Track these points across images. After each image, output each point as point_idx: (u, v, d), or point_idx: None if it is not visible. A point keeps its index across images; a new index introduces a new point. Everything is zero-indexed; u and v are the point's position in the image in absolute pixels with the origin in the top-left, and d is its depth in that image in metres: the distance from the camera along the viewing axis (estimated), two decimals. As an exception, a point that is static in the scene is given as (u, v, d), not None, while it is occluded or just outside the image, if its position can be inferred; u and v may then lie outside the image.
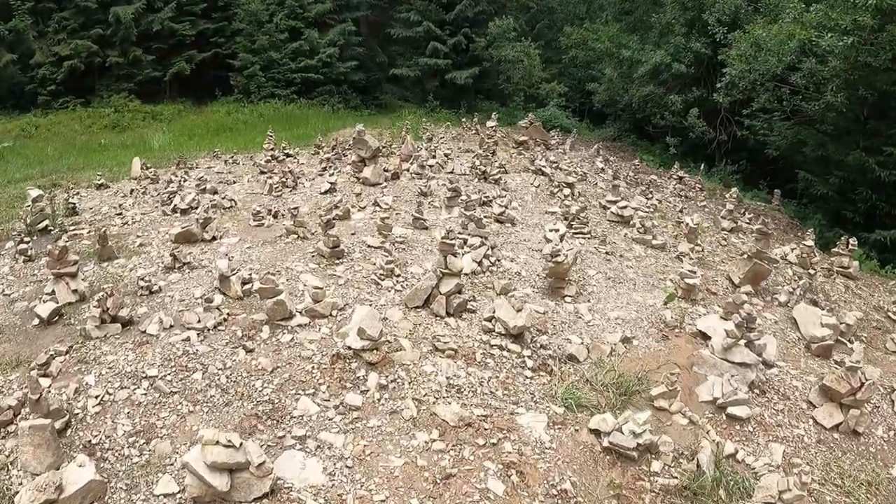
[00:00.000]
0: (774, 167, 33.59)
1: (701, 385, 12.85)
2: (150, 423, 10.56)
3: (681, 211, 24.73)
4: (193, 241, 17.64)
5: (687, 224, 20.06)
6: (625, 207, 21.70)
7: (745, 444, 11.79)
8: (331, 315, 12.96)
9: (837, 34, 24.92)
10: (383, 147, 29.16)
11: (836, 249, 21.38)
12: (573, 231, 18.65)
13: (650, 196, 24.58)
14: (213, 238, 17.78)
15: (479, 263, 15.43)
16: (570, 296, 15.14)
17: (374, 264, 15.13)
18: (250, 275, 14.29)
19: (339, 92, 42.45)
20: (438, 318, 13.14)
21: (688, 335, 14.58)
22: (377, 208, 19.46)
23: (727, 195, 28.21)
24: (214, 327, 12.75)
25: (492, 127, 27.02)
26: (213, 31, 43.45)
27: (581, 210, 19.23)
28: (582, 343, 13.42)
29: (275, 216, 19.21)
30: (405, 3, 43.50)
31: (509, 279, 15.36)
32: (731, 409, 12.18)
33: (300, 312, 12.88)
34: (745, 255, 18.63)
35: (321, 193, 21.39)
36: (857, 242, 21.85)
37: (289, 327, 12.60)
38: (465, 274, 14.20)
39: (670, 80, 35.68)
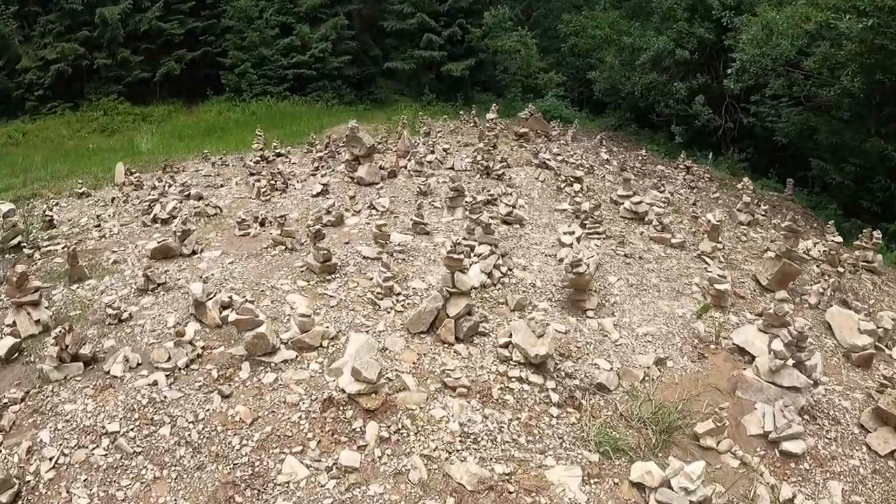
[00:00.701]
0: (783, 155, 31.56)
1: (748, 415, 10.94)
2: (110, 493, 8.58)
3: (694, 204, 22.65)
4: (171, 257, 15.60)
5: (708, 221, 17.94)
6: (639, 203, 19.59)
7: (803, 485, 9.96)
8: (321, 346, 10.89)
9: (855, 16, 22.80)
10: (379, 143, 27.05)
11: (858, 242, 19.55)
12: (587, 231, 16.47)
13: (662, 189, 22.41)
14: (193, 252, 15.70)
15: (490, 275, 13.32)
16: (591, 309, 13.06)
17: (371, 280, 13.03)
18: (230, 297, 12.19)
19: (333, 87, 40.20)
20: (446, 346, 11.07)
21: (725, 351, 12.69)
22: (373, 212, 17.34)
23: (739, 185, 26.28)
24: (186, 366, 10.73)
25: (492, 119, 24.85)
26: (203, 30, 41.14)
27: (594, 208, 17.08)
28: (611, 368, 11.39)
29: (262, 224, 17.10)
30: (398, -7, 41.43)
31: (524, 292, 13.28)
32: (784, 445, 10.31)
33: (285, 344, 10.79)
34: (773, 255, 16.58)
35: (313, 196, 19.25)
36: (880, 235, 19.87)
37: (272, 364, 10.50)
38: (474, 287, 12.01)
39: (673, 67, 33.57)
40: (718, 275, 14.78)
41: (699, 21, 32.56)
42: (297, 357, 10.64)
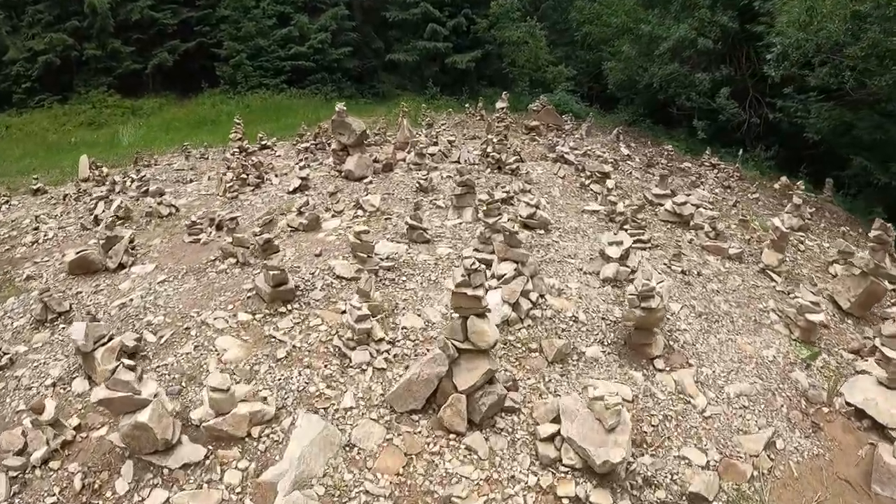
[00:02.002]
0: (814, 153, 26.64)
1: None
2: None
3: (734, 205, 17.92)
4: (93, 272, 11.15)
5: (776, 227, 13.27)
6: (683, 204, 14.82)
7: None
8: (248, 437, 6.14)
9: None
10: (376, 134, 22.33)
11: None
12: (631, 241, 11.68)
13: (699, 188, 17.65)
14: (121, 266, 11.16)
15: (515, 306, 8.57)
16: (659, 356, 8.36)
17: (342, 313, 8.31)
18: (139, 339, 7.54)
19: (333, 80, 35.37)
20: (454, 438, 6.39)
21: (840, 415, 8.54)
22: (360, 213, 12.63)
23: (776, 185, 21.73)
24: (44, 463, 6.06)
25: (502, 109, 19.86)
26: (198, 20, 36.23)
27: (637, 210, 12.33)
28: (707, 463, 6.74)
29: (218, 227, 12.40)
30: (401, -18, 36.56)
31: (564, 331, 8.56)
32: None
33: (196, 425, 6.07)
34: (858, 271, 12.10)
35: (289, 193, 14.55)
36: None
37: (164, 472, 5.80)
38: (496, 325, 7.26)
39: (695, 57, 28.76)
40: (810, 301, 10.31)
41: (722, 9, 27.67)
42: (206, 459, 5.92)
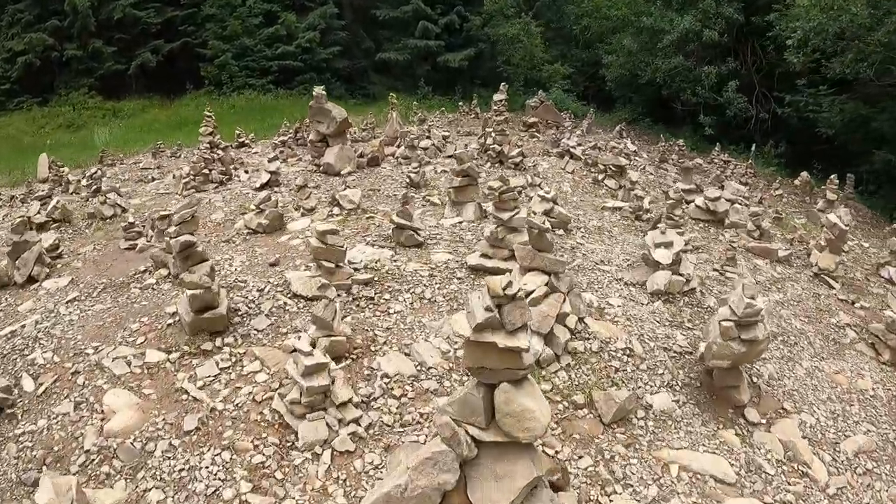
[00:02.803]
0: (825, 148, 23.97)
1: None
2: None
3: (759, 202, 15.25)
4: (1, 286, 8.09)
5: (833, 225, 10.52)
6: (717, 199, 12.07)
7: None
8: None
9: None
10: (363, 130, 19.50)
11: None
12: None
13: (721, 185, 14.84)
14: (31, 280, 8.21)
15: (548, 337, 5.75)
16: (747, 404, 5.49)
17: (293, 352, 5.37)
18: (14, 385, 4.80)
19: (321, 80, 32.09)
20: None
21: None
22: (336, 210, 9.79)
23: (795, 181, 19.11)
24: None
25: (500, 101, 16.89)
26: (182, 19, 33.11)
27: (674, 205, 9.42)
28: None
29: (152, 229, 9.52)
30: (391, -20, 33.64)
31: (618, 370, 5.67)
32: None
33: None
34: None
35: (255, 189, 11.64)
36: None
37: None
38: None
39: (699, 51, 26.11)
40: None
41: (727, 1, 24.91)
42: None
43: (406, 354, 5.88)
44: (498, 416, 3.67)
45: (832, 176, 16.23)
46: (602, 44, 31.01)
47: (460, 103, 26.21)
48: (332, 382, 4.89)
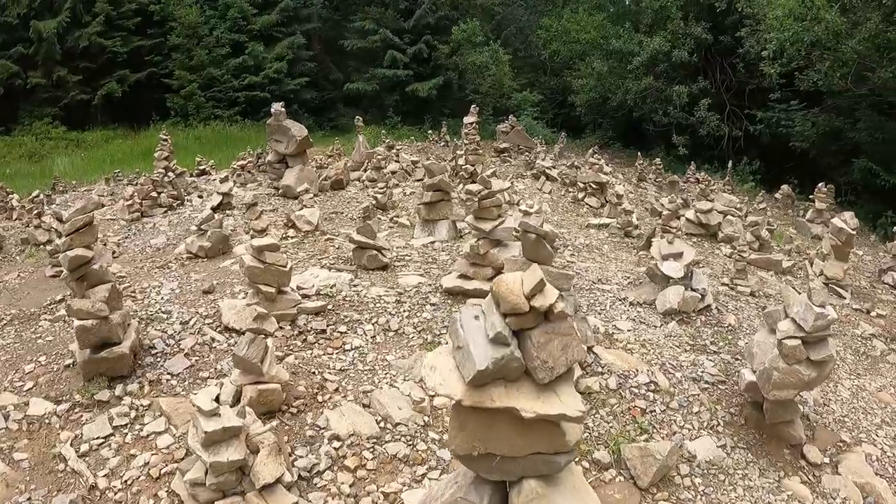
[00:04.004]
0: (797, 164, 23.20)
1: None
2: None
3: (745, 216, 14.08)
4: None
5: (839, 230, 9.37)
6: (709, 212, 10.83)
7: None
8: None
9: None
10: (329, 156, 18.06)
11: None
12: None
13: (710, 198, 13.59)
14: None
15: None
16: (804, 441, 3.97)
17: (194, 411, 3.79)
18: None
19: (290, 112, 30.63)
20: None
21: None
22: (291, 232, 8.32)
23: (776, 195, 18.21)
24: None
25: (471, 123, 15.56)
26: (149, 49, 31.37)
27: (669, 217, 8.11)
28: None
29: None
30: (359, 10, 32.24)
31: (647, 411, 4.16)
32: None
33: None
34: None
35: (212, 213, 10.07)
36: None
37: None
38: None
39: (669, 71, 25.19)
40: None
41: (695, 21, 24.12)
42: None
43: (365, 406, 4.39)
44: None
45: (820, 184, 15.26)
46: (570, 70, 30.16)
47: (429, 132, 24.93)
48: (255, 452, 3.39)
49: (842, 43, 17.55)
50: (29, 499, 3.74)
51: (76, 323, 4.38)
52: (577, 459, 3.99)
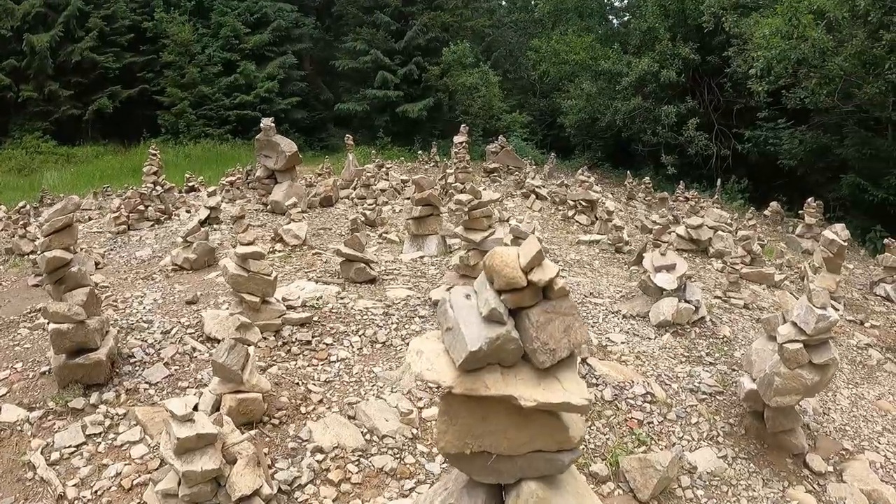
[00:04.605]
0: (785, 181, 23.35)
1: None
2: None
3: (735, 232, 14.11)
4: None
5: (830, 241, 9.38)
6: (699, 227, 10.77)
7: None
8: None
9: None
10: (318, 175, 17.90)
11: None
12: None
13: (700, 213, 13.53)
14: None
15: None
16: (805, 449, 3.88)
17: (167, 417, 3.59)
18: None
19: (280, 132, 30.54)
20: None
21: None
22: (278, 247, 8.15)
23: (765, 212, 18.27)
24: None
25: (462, 143, 15.54)
26: (141, 66, 31.36)
27: (661, 231, 7.99)
28: None
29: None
30: (350, 31, 32.31)
31: (644, 422, 4.12)
32: None
33: None
34: None
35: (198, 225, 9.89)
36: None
37: None
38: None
39: (658, 92, 25.29)
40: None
41: (682, 41, 24.28)
42: None
43: (350, 418, 4.20)
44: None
45: (809, 199, 15.28)
46: (559, 91, 30.28)
47: (419, 152, 24.88)
48: (232, 462, 3.19)
49: (828, 60, 17.69)
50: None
51: (51, 326, 4.18)
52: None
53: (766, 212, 18.43)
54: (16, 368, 4.91)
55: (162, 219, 11.42)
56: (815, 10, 17.29)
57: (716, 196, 19.85)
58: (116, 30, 30.78)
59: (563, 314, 2.02)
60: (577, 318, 2.06)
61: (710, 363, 5.41)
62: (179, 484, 3.12)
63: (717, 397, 4.84)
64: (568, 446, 2.12)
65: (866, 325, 8.27)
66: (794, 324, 4.06)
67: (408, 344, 5.16)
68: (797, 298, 4.42)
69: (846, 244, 9.60)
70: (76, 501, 3.56)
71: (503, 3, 42.41)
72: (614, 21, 33.25)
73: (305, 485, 3.60)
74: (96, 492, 3.60)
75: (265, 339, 4.96)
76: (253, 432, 3.82)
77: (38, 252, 4.49)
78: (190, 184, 17.20)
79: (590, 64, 25.88)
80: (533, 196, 14.85)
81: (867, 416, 5.25)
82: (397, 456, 3.92)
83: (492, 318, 1.95)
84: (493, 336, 1.94)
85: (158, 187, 12.49)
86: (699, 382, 5.00)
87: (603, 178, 25.94)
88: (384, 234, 10.09)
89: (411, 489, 3.59)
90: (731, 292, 7.41)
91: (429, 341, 2.23)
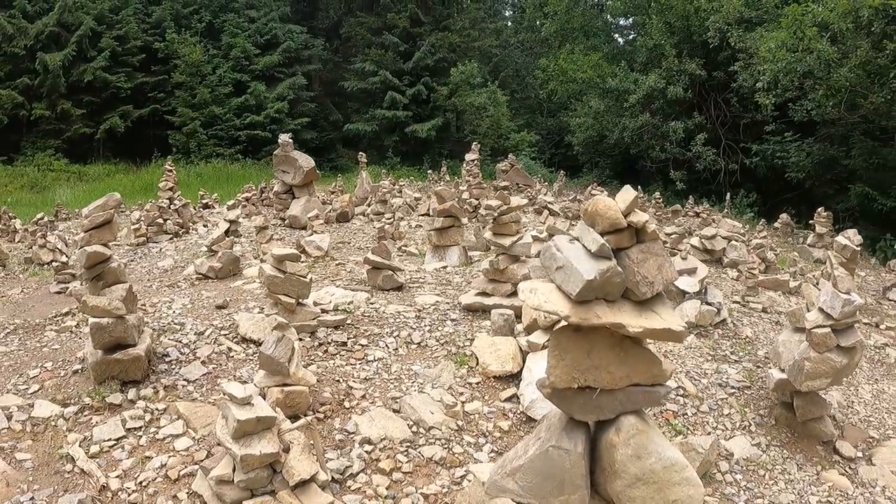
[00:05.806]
0: (793, 195, 23.39)
1: None
2: None
3: (746, 243, 14.22)
4: None
5: (843, 246, 9.33)
6: (713, 237, 10.90)
7: None
8: None
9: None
10: (332, 192, 18.09)
11: None
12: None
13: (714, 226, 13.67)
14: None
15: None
16: (831, 436, 3.97)
17: (221, 401, 3.66)
18: None
19: (290, 151, 30.99)
20: None
21: None
22: (303, 258, 8.21)
23: (776, 224, 18.34)
24: None
25: (473, 161, 15.82)
26: (153, 86, 31.81)
27: (677, 241, 8.15)
28: None
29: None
30: (359, 53, 32.70)
31: (678, 414, 4.23)
32: None
33: None
34: None
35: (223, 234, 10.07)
36: None
37: None
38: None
39: (665, 108, 25.54)
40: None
41: (689, 57, 24.49)
42: None
43: (395, 411, 4.32)
44: (619, 486, 2.14)
45: (819, 209, 15.36)
46: (567, 110, 30.51)
47: (429, 172, 25.08)
48: (286, 450, 3.27)
49: (833, 71, 17.82)
50: (32, 498, 3.60)
51: (91, 320, 4.26)
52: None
53: (776, 223, 18.53)
54: (46, 367, 5.01)
55: (180, 232, 11.57)
56: (820, 22, 17.50)
57: (725, 210, 19.98)
58: (128, 50, 31.26)
59: (656, 255, 2.22)
60: (667, 258, 2.25)
61: (736, 361, 5.53)
62: (234, 470, 3.20)
63: (746, 391, 4.96)
64: (662, 380, 2.28)
65: (881, 326, 8.47)
66: (821, 310, 4.23)
67: (442, 344, 5.25)
68: (819, 289, 4.56)
69: (859, 249, 9.72)
70: (120, 492, 3.64)
71: (509, 23, 42.89)
72: (619, 40, 33.58)
73: (357, 473, 3.70)
74: (141, 483, 3.68)
75: (301, 339, 5.06)
76: (309, 418, 3.88)
77: (79, 247, 4.59)
78: (204, 201, 17.37)
79: (597, 82, 26.10)
80: (546, 212, 14.98)
81: (890, 409, 5.42)
82: (445, 446, 4.03)
83: (601, 254, 2.12)
84: (603, 268, 2.12)
85: (176, 202, 12.67)
86: (727, 378, 5.12)
87: (612, 195, 26.05)
88: (403, 248, 10.20)
89: (462, 477, 3.69)
90: (750, 297, 7.51)
91: (538, 282, 2.39)
